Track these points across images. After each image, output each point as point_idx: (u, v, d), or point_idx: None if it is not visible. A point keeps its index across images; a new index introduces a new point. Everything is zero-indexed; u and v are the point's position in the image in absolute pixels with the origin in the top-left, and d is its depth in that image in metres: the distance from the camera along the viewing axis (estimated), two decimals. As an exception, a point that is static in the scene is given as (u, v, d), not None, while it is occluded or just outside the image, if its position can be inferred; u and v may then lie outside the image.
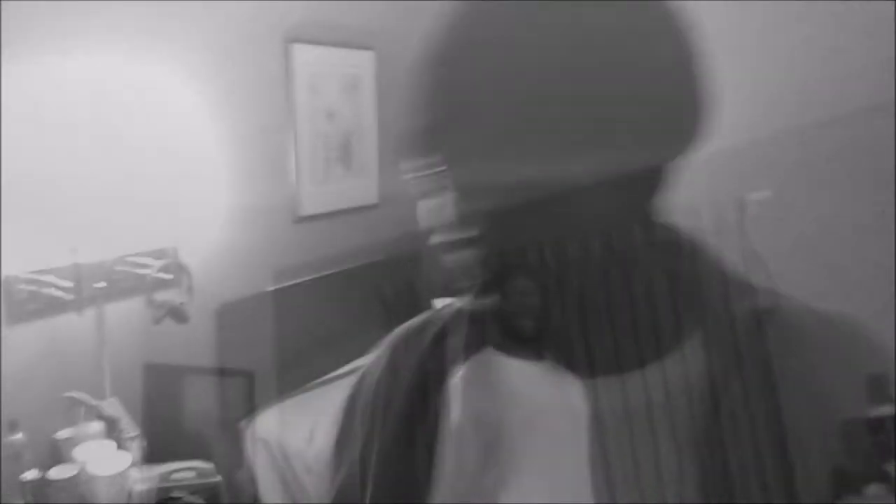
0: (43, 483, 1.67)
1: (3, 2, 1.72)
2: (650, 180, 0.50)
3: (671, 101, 0.48)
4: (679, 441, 0.50)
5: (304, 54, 2.56)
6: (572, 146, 0.46)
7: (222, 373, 2.36)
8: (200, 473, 1.81)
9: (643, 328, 0.51)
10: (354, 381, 0.65)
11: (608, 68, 0.45)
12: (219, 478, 1.83)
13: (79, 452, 1.76)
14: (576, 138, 0.46)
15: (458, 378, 0.56)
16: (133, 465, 1.78)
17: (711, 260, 0.54)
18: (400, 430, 0.58)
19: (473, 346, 0.57)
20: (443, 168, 0.50)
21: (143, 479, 1.75)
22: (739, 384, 0.49)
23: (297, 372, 2.56)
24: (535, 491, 0.53)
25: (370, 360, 0.65)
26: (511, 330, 0.56)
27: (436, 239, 0.53)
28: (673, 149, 0.49)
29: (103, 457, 1.75)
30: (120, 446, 1.82)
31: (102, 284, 1.90)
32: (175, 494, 1.77)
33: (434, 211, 0.52)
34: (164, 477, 1.78)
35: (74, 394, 1.84)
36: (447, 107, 0.49)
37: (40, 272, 1.84)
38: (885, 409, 0.49)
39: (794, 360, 0.50)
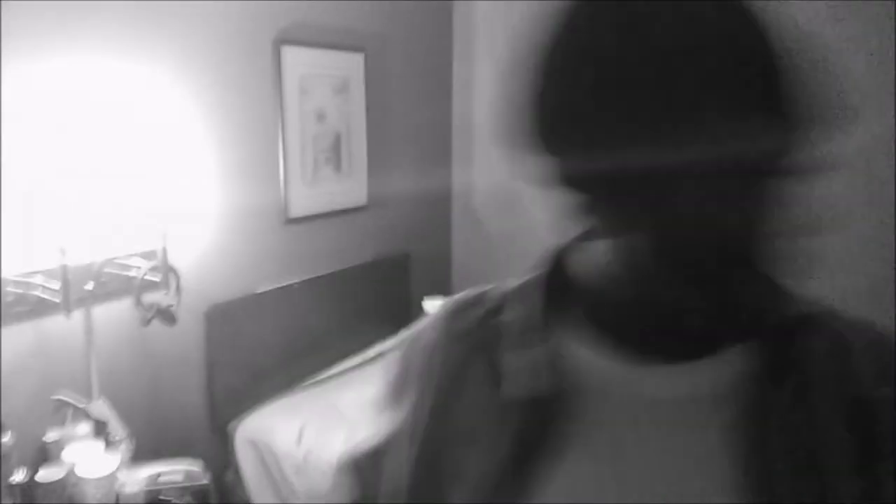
0: (31, 485, 1.67)
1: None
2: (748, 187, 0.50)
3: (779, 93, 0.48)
4: (714, 439, 0.52)
5: (294, 56, 2.56)
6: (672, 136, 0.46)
7: (211, 375, 2.37)
8: (189, 475, 1.81)
9: (699, 326, 0.54)
10: (406, 342, 0.67)
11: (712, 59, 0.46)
12: (208, 479, 1.83)
13: (67, 454, 1.75)
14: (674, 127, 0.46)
15: (517, 354, 0.58)
16: (121, 466, 1.78)
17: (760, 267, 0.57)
18: (451, 396, 0.60)
19: (538, 326, 0.58)
20: (559, 160, 0.50)
21: (132, 481, 1.75)
22: (777, 389, 0.52)
23: (286, 373, 2.57)
24: (580, 477, 0.53)
25: (420, 325, 0.67)
26: (589, 315, 0.57)
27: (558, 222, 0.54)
28: (775, 143, 0.49)
29: (91, 459, 1.74)
30: (108, 448, 1.82)
31: (91, 286, 1.90)
32: (163, 496, 1.77)
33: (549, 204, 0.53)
34: (153, 479, 1.79)
35: (63, 396, 1.84)
36: (571, 100, 0.49)
37: (29, 274, 1.84)
38: (888, 391, 0.52)
39: (830, 368, 0.53)
